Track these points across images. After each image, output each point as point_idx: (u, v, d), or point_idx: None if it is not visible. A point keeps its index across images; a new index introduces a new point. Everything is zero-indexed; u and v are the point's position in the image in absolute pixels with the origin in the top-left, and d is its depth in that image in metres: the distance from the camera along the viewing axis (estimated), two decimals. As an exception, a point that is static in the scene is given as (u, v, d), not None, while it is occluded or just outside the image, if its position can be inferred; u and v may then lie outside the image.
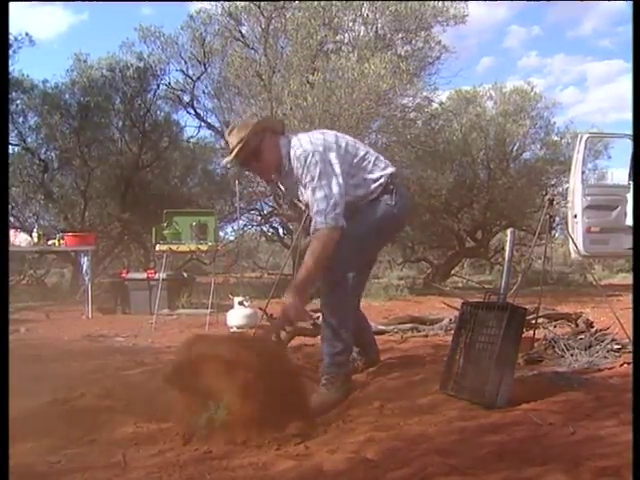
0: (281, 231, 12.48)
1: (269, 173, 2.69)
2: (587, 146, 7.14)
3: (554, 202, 3.40)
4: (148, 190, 10.18)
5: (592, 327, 4.26)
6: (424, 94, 8.25)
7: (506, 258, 2.22)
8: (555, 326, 4.23)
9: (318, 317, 4.66)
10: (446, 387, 2.25)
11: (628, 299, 8.47)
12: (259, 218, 12.33)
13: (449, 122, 9.86)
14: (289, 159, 2.52)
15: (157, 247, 5.67)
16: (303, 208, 2.83)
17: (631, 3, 5.39)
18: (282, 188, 2.87)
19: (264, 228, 13.08)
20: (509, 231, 2.32)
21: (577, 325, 4.27)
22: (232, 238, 12.48)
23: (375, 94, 6.62)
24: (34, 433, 1.74)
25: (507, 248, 2.26)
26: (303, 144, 2.50)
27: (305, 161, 2.45)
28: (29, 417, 1.85)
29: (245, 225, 12.53)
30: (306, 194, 2.50)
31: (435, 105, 8.99)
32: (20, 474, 1.44)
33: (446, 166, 9.74)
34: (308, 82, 7.32)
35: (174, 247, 5.65)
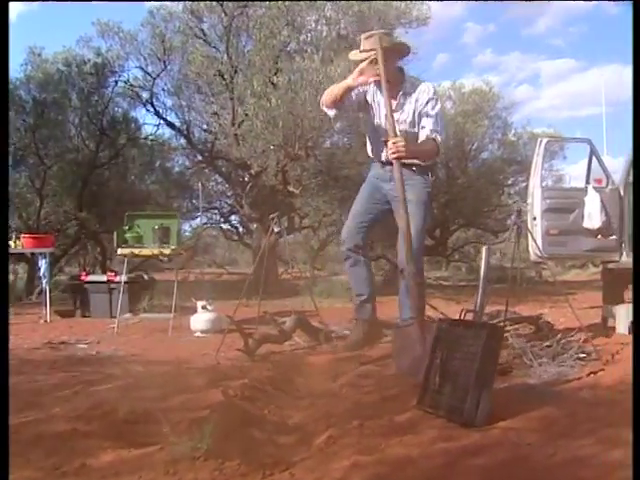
0: (241, 229, 12.43)
1: (387, 85, 3.19)
2: (546, 150, 7.30)
3: (521, 212, 3.46)
4: (106, 188, 10.00)
5: (553, 330, 4.39)
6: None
7: (481, 276, 2.25)
8: (517, 329, 4.30)
9: (284, 322, 4.67)
10: (423, 403, 2.27)
11: (583, 297, 8.75)
12: (218, 217, 12.25)
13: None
14: (412, 86, 3.46)
15: (119, 251, 5.56)
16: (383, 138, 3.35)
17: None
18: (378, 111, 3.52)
19: (223, 226, 13.02)
20: (484, 249, 2.35)
21: (538, 328, 4.37)
22: (189, 234, 12.40)
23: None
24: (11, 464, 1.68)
25: (482, 266, 2.28)
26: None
27: (434, 92, 3.53)
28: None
29: (205, 224, 12.43)
30: (425, 118, 3.40)
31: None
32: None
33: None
34: (272, 83, 7.28)
35: (136, 251, 5.55)
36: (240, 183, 9.55)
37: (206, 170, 10.78)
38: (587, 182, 7.24)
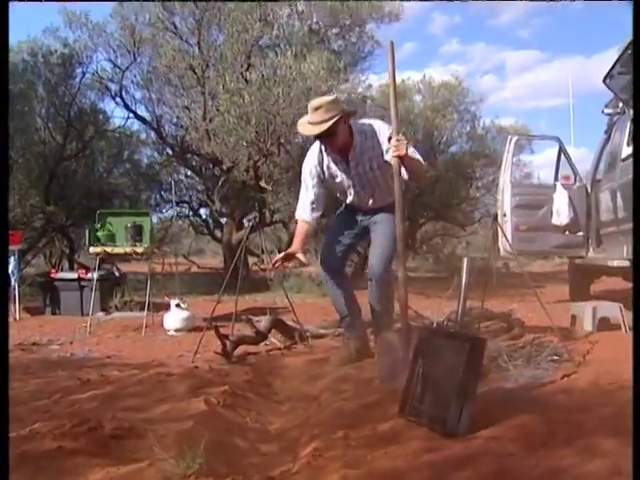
0: (211, 223, 12.35)
1: (338, 148, 3.51)
2: (516, 146, 7.44)
3: (497, 217, 3.52)
4: (73, 181, 9.81)
5: (524, 327, 4.49)
6: (359, 90, 8.34)
7: (462, 285, 2.29)
8: (488, 326, 4.38)
9: (259, 321, 4.68)
10: (404, 411, 2.31)
11: (551, 290, 8.95)
12: (187, 210, 12.15)
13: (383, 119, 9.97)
14: (365, 135, 3.49)
15: (91, 249, 5.49)
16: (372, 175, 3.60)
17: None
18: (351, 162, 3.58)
19: (192, 219, 12.92)
20: (465, 260, 2.39)
21: (510, 326, 4.46)
22: (157, 226, 12.27)
23: (314, 94, 6.61)
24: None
25: (463, 276, 2.32)
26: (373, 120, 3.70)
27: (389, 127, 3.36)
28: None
29: (173, 217, 12.32)
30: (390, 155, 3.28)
31: (369, 102, 9.08)
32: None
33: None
34: (245, 79, 7.23)
35: (108, 249, 5.49)
36: (211, 178, 9.48)
37: (176, 164, 10.68)
38: (555, 179, 7.42)
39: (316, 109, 3.39)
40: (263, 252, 11.93)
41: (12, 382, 3.17)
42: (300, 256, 3.58)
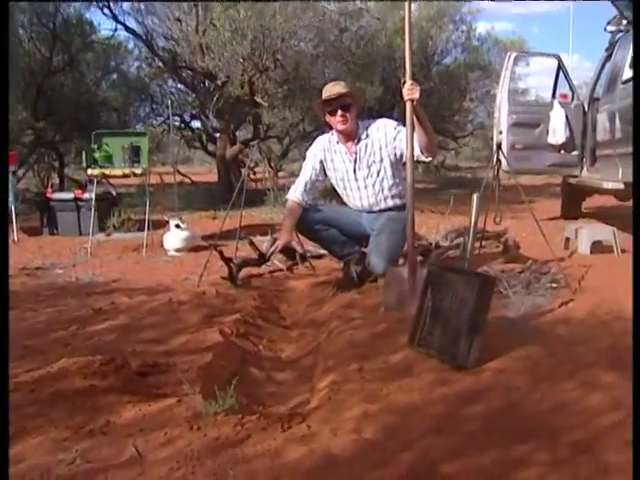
0: (204, 136, 12.18)
1: (347, 128, 3.67)
2: (515, 64, 7.32)
3: (501, 147, 3.53)
4: (61, 95, 9.55)
5: (519, 248, 4.60)
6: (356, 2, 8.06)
7: (472, 222, 2.33)
8: (484, 246, 4.46)
9: (260, 241, 4.74)
10: (413, 342, 2.42)
11: (542, 206, 9.05)
12: (179, 122, 11.93)
13: (377, 32, 9.72)
14: (371, 130, 3.71)
15: (88, 171, 5.46)
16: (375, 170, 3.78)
17: None
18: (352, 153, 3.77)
19: (184, 132, 12.73)
20: (475, 196, 2.42)
21: (506, 248, 4.56)
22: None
23: (312, 7, 6.38)
24: (34, 425, 1.76)
25: (473, 213, 2.37)
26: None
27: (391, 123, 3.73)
28: (18, 405, 1.86)
29: (164, 130, 12.13)
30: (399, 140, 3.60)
31: (365, 15, 8.80)
32: (43, 480, 1.48)
33: (375, 78, 9.68)
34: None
35: (107, 171, 5.45)
36: (205, 92, 9.28)
37: (167, 77, 10.40)
38: (553, 97, 7.34)
39: (334, 85, 3.65)
40: (256, 164, 11.91)
41: (25, 312, 3.28)
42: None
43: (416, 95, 2.99)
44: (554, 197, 10.23)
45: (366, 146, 3.74)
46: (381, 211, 3.86)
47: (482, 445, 1.61)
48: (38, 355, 2.46)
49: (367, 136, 3.74)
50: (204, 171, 20.49)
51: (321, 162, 3.84)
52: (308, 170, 3.85)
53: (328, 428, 1.73)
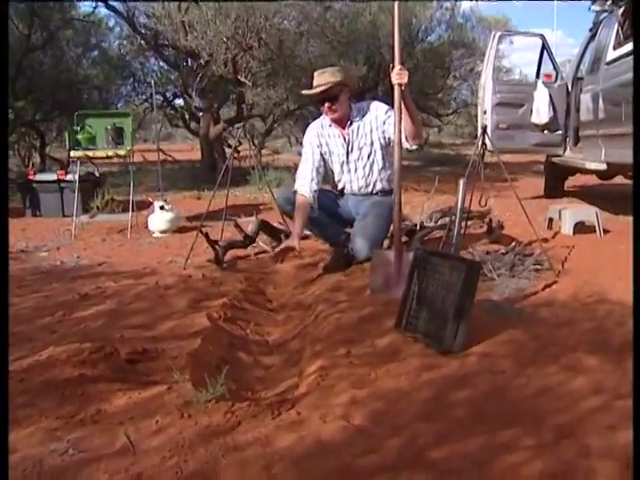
0: (187, 115, 12.05)
1: (337, 116, 3.68)
2: (500, 42, 7.30)
3: (486, 130, 3.54)
4: (41, 73, 9.38)
5: (503, 228, 4.65)
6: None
7: (458, 208, 2.35)
8: (469, 226, 4.50)
9: (244, 222, 4.73)
10: (400, 326, 2.45)
11: (525, 184, 9.13)
12: (162, 101, 11.79)
13: (361, 10, 9.65)
14: (360, 111, 3.72)
15: (72, 153, 5.39)
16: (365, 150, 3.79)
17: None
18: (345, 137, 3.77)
19: (167, 111, 12.59)
20: (461, 181, 2.43)
21: (490, 228, 4.61)
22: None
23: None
24: (25, 415, 1.77)
25: (459, 198, 2.38)
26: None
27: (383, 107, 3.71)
28: (10, 395, 1.86)
29: (147, 109, 11.98)
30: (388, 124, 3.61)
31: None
32: (35, 472, 1.49)
33: (359, 56, 9.61)
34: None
35: (90, 153, 5.39)
36: (188, 71, 9.16)
37: (149, 55, 10.25)
38: (537, 77, 7.35)
39: (322, 73, 3.60)
40: (240, 143, 11.82)
41: (11, 297, 3.24)
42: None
43: (404, 80, 2.98)
44: (537, 175, 10.30)
45: (358, 128, 3.74)
46: (368, 194, 3.87)
47: (469, 430, 1.64)
48: (26, 342, 2.45)
49: (360, 119, 3.73)
50: (186, 148, 20.32)
51: (319, 148, 3.81)
52: (309, 160, 3.79)
53: (317, 414, 1.76)
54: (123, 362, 2.10)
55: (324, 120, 3.84)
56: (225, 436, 1.65)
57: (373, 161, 3.80)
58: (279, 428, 1.69)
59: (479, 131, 3.48)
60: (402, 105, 3.06)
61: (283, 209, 4.03)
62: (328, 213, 3.91)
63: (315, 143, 3.82)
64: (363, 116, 3.74)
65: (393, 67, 2.98)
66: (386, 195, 3.77)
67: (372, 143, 3.74)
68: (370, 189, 3.87)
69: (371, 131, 3.73)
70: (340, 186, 3.96)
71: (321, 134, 3.83)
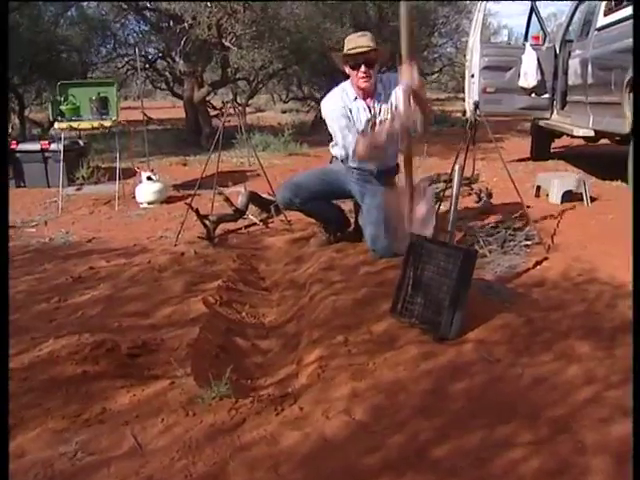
0: (170, 78, 11.81)
1: (369, 84, 3.42)
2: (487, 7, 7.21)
3: (478, 106, 3.52)
4: (18, 35, 9.09)
5: (491, 197, 4.67)
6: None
7: (453, 195, 2.36)
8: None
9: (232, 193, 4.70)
10: (395, 310, 2.48)
11: (511, 145, 9.13)
12: (144, 63, 11.51)
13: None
14: (387, 85, 3.47)
15: (56, 125, 5.29)
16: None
17: None
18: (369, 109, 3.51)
19: (149, 73, 12.32)
20: (457, 168, 2.43)
21: (479, 196, 4.64)
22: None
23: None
24: (31, 416, 1.79)
25: (454, 186, 2.39)
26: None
27: None
28: (13, 394, 1.87)
29: (128, 70, 11.72)
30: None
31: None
32: (47, 478, 1.52)
33: (345, 17, 9.43)
34: None
35: (74, 124, 5.29)
36: (171, 34, 8.94)
37: (131, 17, 9.97)
38: (525, 40, 7.29)
39: (361, 36, 3.38)
40: (224, 104, 11.64)
41: (3, 279, 3.23)
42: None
43: (412, 78, 2.81)
44: (522, 134, 10.30)
45: (381, 101, 3.51)
46: (375, 174, 3.66)
47: (467, 426, 1.69)
48: (23, 333, 2.46)
49: (384, 91, 3.51)
50: (167, 105, 19.97)
51: (348, 118, 3.51)
52: (349, 128, 3.49)
53: (320, 410, 1.80)
54: (124, 357, 2.12)
55: (346, 93, 3.55)
56: (231, 435, 1.69)
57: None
58: (283, 425, 1.73)
59: (471, 108, 3.45)
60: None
61: (284, 208, 3.98)
62: (327, 195, 3.82)
63: (345, 113, 3.50)
64: (387, 89, 3.51)
65: (401, 63, 2.84)
66: (391, 174, 3.67)
67: (393, 119, 3.42)
68: (379, 165, 3.63)
69: (391, 106, 3.50)
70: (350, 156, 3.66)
71: (347, 103, 3.55)
